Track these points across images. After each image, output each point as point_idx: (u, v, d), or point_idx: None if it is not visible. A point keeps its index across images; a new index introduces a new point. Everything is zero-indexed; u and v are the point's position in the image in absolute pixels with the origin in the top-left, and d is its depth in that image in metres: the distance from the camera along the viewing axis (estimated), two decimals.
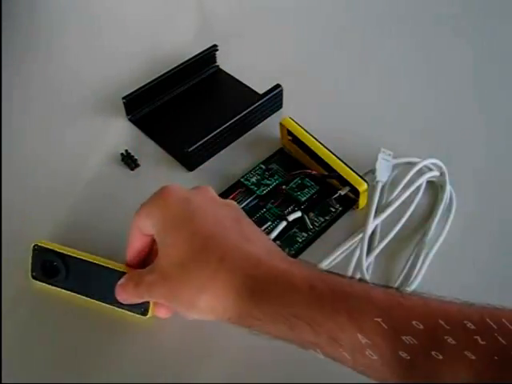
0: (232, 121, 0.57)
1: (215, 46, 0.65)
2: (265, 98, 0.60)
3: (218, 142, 0.57)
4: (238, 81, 0.65)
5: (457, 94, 0.63)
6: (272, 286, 0.37)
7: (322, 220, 0.52)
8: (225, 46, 0.66)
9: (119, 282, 0.43)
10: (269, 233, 0.50)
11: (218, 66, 0.67)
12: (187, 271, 0.38)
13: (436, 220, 0.51)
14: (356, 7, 0.75)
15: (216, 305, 0.38)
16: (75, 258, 0.45)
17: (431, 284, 0.46)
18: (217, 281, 0.37)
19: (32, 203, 0.54)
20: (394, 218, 0.51)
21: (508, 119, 0.61)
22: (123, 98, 0.60)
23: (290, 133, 0.56)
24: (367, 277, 0.47)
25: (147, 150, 0.59)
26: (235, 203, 0.44)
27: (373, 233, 0.50)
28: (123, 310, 0.45)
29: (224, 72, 0.66)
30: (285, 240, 0.51)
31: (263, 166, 0.57)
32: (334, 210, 0.53)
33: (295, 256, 0.50)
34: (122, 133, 0.60)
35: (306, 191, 0.54)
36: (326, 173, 0.54)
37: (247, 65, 0.67)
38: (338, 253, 0.49)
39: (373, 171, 0.53)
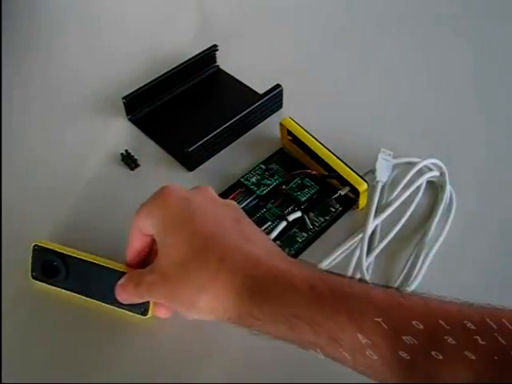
0: (232, 121, 0.57)
1: (215, 46, 0.65)
2: (265, 98, 0.59)
3: (218, 142, 0.57)
4: (238, 81, 0.65)
5: (457, 94, 0.63)
6: (272, 286, 0.37)
7: (322, 220, 0.52)
8: (225, 46, 0.66)
9: (119, 282, 0.43)
10: (269, 233, 0.50)
11: (217, 66, 0.67)
12: (187, 271, 0.38)
13: (436, 220, 0.51)
14: (356, 7, 0.75)
15: (216, 305, 0.38)
16: (75, 257, 0.45)
17: (431, 284, 0.46)
18: (217, 281, 0.37)
19: (32, 203, 0.54)
20: (394, 218, 0.51)
21: (508, 119, 0.61)
22: (123, 98, 0.60)
23: (290, 133, 0.56)
24: (367, 277, 0.47)
25: (147, 150, 0.59)
26: (235, 203, 0.44)
27: (373, 233, 0.50)
28: (123, 310, 0.45)
29: (224, 72, 0.66)
30: (285, 240, 0.51)
31: (263, 166, 0.56)
32: (333, 210, 0.53)
33: (295, 256, 0.50)
34: (121, 133, 0.60)
35: (305, 191, 0.54)
36: (326, 173, 0.54)
37: (247, 65, 0.67)
38: (338, 253, 0.49)
39: (373, 171, 0.53)
